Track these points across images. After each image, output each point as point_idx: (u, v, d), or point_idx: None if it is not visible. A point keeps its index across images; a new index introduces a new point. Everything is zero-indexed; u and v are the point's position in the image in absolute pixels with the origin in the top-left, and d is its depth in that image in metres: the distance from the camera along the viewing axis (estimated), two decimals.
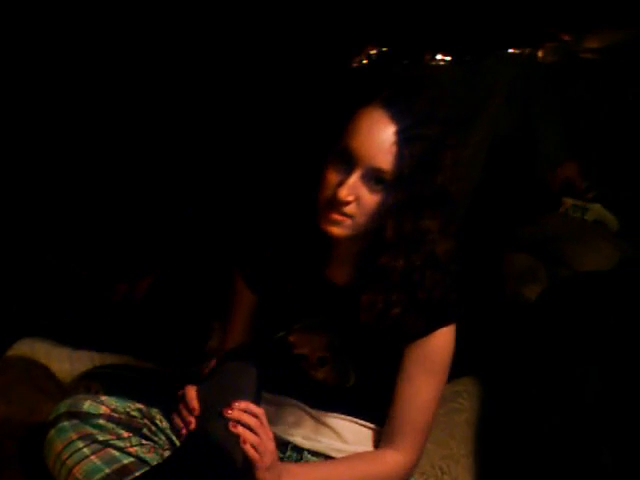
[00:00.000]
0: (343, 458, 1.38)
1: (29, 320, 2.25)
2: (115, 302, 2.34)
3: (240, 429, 1.19)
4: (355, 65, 3.09)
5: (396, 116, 1.26)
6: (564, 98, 3.06)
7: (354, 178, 1.26)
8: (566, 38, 3.11)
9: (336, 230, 1.29)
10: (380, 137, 1.26)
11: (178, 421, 1.25)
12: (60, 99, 2.62)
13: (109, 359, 2.13)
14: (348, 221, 1.28)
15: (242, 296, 1.48)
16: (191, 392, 1.25)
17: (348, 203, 1.26)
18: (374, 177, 1.27)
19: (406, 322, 1.32)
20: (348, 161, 1.27)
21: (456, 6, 2.92)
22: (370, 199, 1.28)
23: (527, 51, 3.19)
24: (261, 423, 1.22)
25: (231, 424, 1.19)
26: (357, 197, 1.27)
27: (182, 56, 2.80)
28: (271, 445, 1.22)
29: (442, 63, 3.18)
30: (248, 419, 1.20)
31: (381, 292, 1.31)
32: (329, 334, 1.39)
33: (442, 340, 1.36)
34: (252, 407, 1.22)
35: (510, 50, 3.20)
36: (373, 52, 3.08)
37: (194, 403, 1.23)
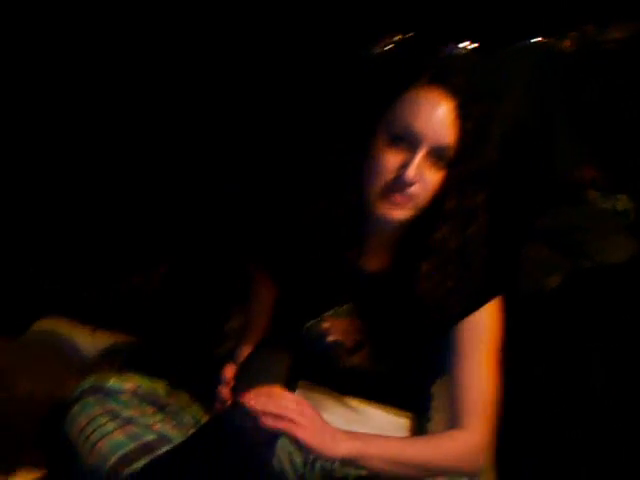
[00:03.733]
0: (409, 438, 1.35)
1: (48, 302, 2.25)
2: (130, 290, 2.34)
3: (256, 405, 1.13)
4: (380, 51, 3.08)
5: (454, 91, 1.27)
6: (584, 91, 3.05)
7: (419, 158, 1.26)
8: (589, 28, 3.08)
9: (397, 213, 1.29)
10: (443, 114, 1.26)
11: (218, 402, 1.27)
12: (57, 110, 2.60)
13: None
14: (410, 202, 1.28)
15: (263, 287, 1.48)
16: (229, 367, 1.30)
17: (414, 183, 1.26)
18: (438, 155, 1.27)
19: (457, 298, 1.31)
20: (410, 142, 1.26)
21: None
22: (434, 177, 1.28)
23: (549, 41, 3.17)
24: (277, 396, 1.16)
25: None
26: (421, 176, 1.27)
27: (212, 54, 2.80)
28: (304, 410, 1.16)
29: (463, 52, 3.16)
30: (259, 404, 1.14)
31: (437, 265, 1.31)
32: (363, 319, 1.38)
33: (490, 313, 1.35)
34: (260, 391, 1.17)
35: (532, 40, 3.18)
36: (397, 38, 3.07)
37: (229, 378, 1.27)
